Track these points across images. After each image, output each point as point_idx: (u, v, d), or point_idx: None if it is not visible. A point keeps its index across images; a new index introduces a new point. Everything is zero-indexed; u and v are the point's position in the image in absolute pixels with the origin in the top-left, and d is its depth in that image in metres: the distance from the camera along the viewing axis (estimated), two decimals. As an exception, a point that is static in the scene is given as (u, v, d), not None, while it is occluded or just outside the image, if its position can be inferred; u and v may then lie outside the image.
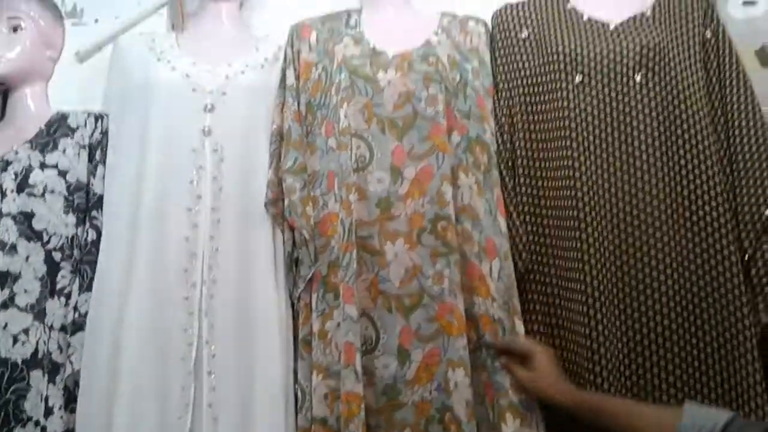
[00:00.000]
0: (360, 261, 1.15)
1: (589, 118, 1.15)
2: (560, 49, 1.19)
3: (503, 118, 1.24)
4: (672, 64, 1.16)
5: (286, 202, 1.20)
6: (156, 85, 1.24)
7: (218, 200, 1.20)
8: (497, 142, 1.23)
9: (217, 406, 1.12)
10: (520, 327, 1.12)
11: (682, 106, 1.14)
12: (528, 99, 1.23)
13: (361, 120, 1.19)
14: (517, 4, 1.30)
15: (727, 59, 1.19)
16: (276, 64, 1.32)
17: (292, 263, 1.21)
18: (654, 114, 1.14)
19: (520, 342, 1.12)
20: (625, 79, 1.15)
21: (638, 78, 1.15)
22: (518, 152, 1.22)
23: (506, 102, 1.25)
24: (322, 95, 1.26)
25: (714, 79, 1.19)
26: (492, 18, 1.33)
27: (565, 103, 1.17)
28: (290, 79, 1.28)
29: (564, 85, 1.18)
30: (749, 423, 0.91)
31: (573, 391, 1.06)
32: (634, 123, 1.14)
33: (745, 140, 1.14)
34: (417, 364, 1.12)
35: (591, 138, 1.14)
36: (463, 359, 1.10)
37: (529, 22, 1.28)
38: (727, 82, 1.18)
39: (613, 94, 1.15)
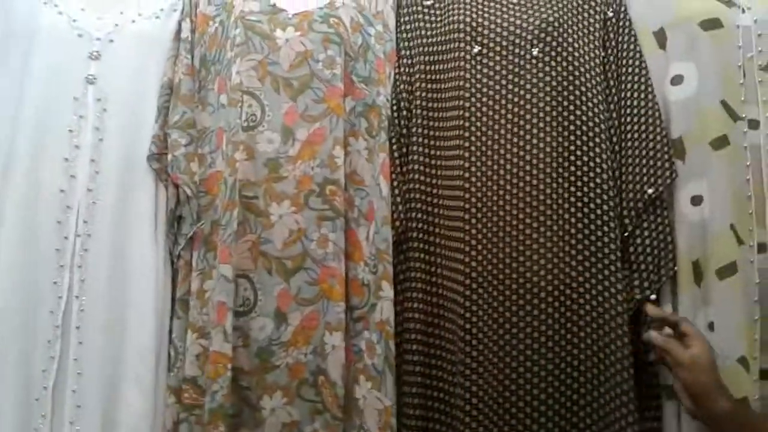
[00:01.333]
0: (244, 221, 1.16)
1: (485, 89, 1.19)
2: (461, 18, 1.22)
3: (402, 85, 1.27)
4: (570, 40, 1.20)
5: (169, 157, 1.20)
6: (39, 28, 1.22)
7: (98, 152, 1.19)
8: (393, 107, 1.26)
9: (83, 361, 1.12)
10: (388, 290, 1.16)
11: (577, 82, 1.18)
12: (428, 67, 1.26)
13: (254, 77, 1.20)
14: (427, -29, 1.33)
15: (625, 39, 1.24)
16: (172, 16, 1.31)
17: (174, 220, 1.22)
18: (548, 89, 1.18)
19: (678, 317, 1.06)
20: (522, 52, 1.19)
21: (535, 52, 1.19)
22: (414, 120, 1.24)
23: (407, 69, 1.28)
24: (218, 50, 1.26)
25: (612, 58, 1.23)
26: (404, -17, 1.35)
27: (462, 73, 1.20)
28: (185, 31, 1.28)
29: (462, 54, 1.21)
30: None
31: (730, 394, 0.97)
32: (528, 96, 1.18)
33: (635, 120, 1.19)
34: (294, 327, 1.14)
35: (485, 109, 1.18)
36: (341, 323, 1.13)
37: None
38: (624, 62, 1.23)
39: (510, 67, 1.19)
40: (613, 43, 1.24)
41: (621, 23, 1.25)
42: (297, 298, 1.15)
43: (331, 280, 1.15)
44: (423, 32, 1.29)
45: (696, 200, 1.16)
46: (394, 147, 1.24)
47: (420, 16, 1.30)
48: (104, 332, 1.14)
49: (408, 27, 1.31)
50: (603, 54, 1.23)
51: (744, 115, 1.15)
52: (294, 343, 1.14)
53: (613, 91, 1.22)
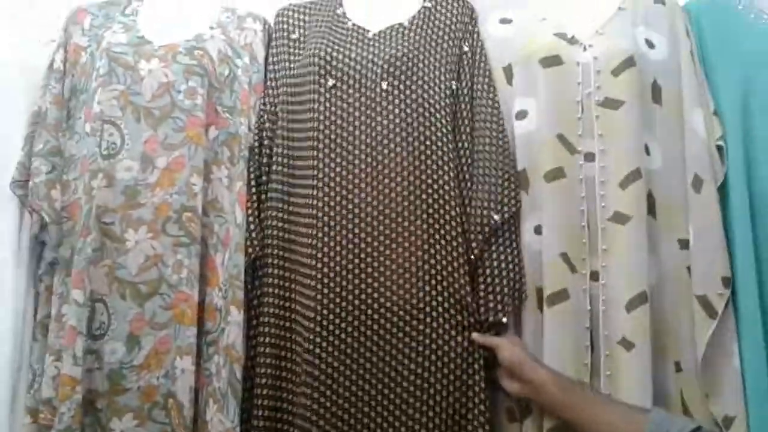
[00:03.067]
0: (102, 247, 1.23)
1: (338, 122, 1.26)
2: (317, 52, 1.30)
3: (266, 115, 1.34)
4: (420, 74, 1.28)
5: (30, 184, 1.27)
6: None
7: (-34, 178, 1.25)
8: (256, 136, 1.33)
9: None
10: (236, 315, 1.21)
11: (426, 114, 1.25)
12: (290, 98, 1.33)
13: (116, 107, 1.27)
14: (295, 6, 1.41)
15: (479, 73, 1.32)
16: (49, 46, 1.39)
17: (37, 246, 1.28)
18: (397, 120, 1.25)
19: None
20: (372, 85, 1.27)
21: (384, 85, 1.27)
22: (276, 149, 1.32)
23: (272, 99, 1.35)
24: (86, 80, 1.33)
25: (466, 90, 1.31)
26: (274, 17, 1.43)
27: (317, 105, 1.27)
28: (57, 62, 1.35)
29: (317, 87, 1.28)
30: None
31: (547, 366, 1.12)
32: (378, 128, 1.25)
33: (485, 149, 1.26)
34: (147, 351, 1.21)
35: (337, 140, 1.25)
36: (192, 347, 1.20)
37: (301, 23, 1.38)
38: (477, 95, 1.30)
39: (363, 99, 1.27)
40: (468, 77, 1.32)
41: (476, 57, 1.33)
42: (151, 322, 1.22)
43: (184, 305, 1.22)
44: (287, 64, 1.36)
45: (538, 230, 1.24)
46: (252, 175, 1.31)
47: (286, 48, 1.37)
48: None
49: (275, 59, 1.38)
50: (456, 86, 1.31)
51: (581, 149, 1.23)
52: (147, 366, 1.21)
53: (466, 122, 1.30)
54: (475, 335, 1.18)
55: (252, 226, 1.28)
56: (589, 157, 1.23)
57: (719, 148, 1.24)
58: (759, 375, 1.12)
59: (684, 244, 1.22)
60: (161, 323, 1.22)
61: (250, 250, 1.27)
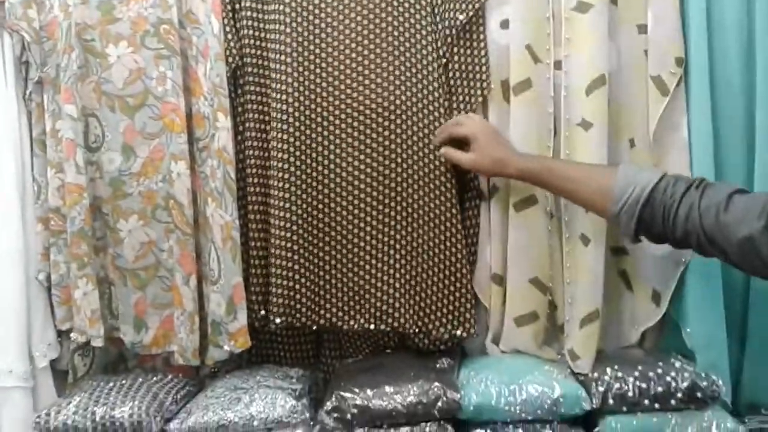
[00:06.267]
0: (86, 64, 1.34)
1: None
2: None
3: None
4: None
5: (6, 4, 1.35)
6: None
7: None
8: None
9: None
10: (224, 121, 1.34)
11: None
12: None
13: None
14: None
15: None
16: None
17: (21, 66, 1.39)
18: None
19: (457, 128, 1.29)
20: None
21: None
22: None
23: None
24: None
25: None
26: None
27: None
28: None
29: None
30: (677, 178, 1.11)
31: (517, 162, 1.24)
32: None
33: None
34: (143, 159, 1.36)
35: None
36: (184, 153, 1.35)
37: None
38: None
39: None
40: None
41: None
42: (143, 132, 1.36)
43: (172, 115, 1.35)
44: None
45: (504, 24, 1.35)
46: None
47: None
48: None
49: None
50: None
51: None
52: (144, 173, 1.37)
53: None
54: (443, 150, 1.32)
55: (229, 36, 1.38)
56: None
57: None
58: (705, 139, 1.29)
59: (642, 29, 1.34)
60: (153, 133, 1.36)
61: (230, 59, 1.38)
